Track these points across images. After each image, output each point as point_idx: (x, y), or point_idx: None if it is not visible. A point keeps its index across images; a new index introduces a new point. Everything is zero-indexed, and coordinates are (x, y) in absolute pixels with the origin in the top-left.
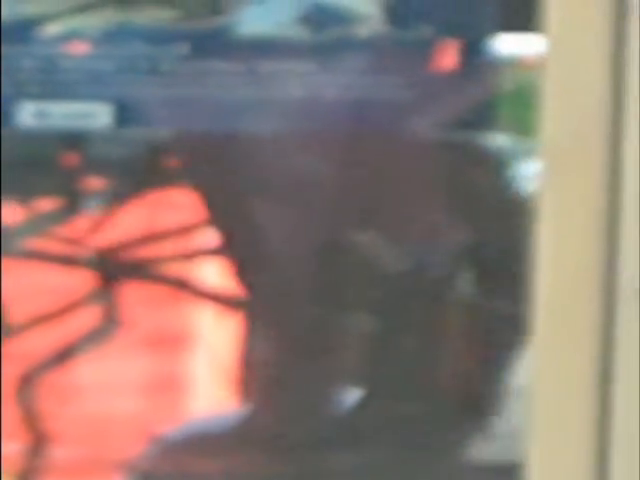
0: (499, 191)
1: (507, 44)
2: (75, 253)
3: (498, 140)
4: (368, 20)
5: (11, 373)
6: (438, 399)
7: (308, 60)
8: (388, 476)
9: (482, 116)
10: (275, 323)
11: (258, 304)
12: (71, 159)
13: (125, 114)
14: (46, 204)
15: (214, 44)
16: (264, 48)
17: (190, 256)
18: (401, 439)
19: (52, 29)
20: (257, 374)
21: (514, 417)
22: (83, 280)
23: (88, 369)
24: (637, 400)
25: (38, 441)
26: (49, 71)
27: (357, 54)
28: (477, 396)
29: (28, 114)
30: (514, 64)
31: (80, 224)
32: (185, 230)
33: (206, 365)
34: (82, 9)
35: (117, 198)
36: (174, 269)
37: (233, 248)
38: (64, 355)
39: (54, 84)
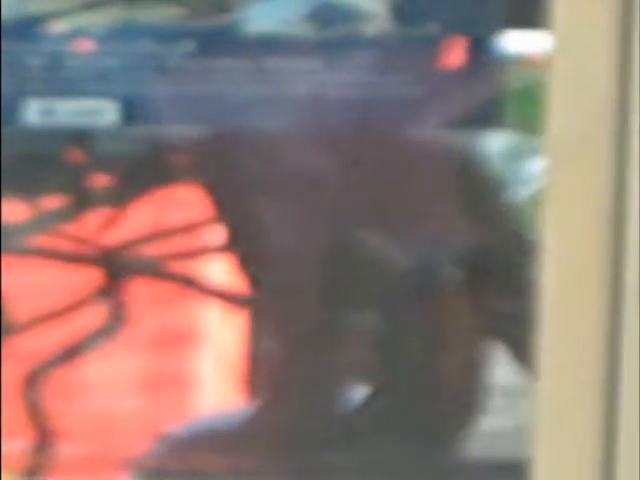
0: (504, 190)
1: (514, 41)
2: (82, 251)
3: (504, 137)
4: (375, 17)
5: (18, 371)
6: (440, 399)
7: (315, 58)
8: (393, 473)
9: (488, 113)
10: (282, 321)
11: (264, 302)
12: (77, 157)
13: (132, 112)
14: (52, 202)
15: (221, 42)
16: (271, 46)
17: (197, 254)
18: (401, 438)
19: (58, 27)
20: (263, 372)
21: (501, 415)
22: (89, 278)
23: (95, 367)
24: None
25: (45, 439)
26: (55, 69)
27: (364, 51)
28: (478, 395)
29: (34, 112)
30: (521, 61)
31: (87, 222)
32: (192, 228)
33: (213, 363)
34: (88, 6)
35: (124, 195)
36: (181, 266)
37: (239, 246)
38: (71, 353)
39: (60, 82)
